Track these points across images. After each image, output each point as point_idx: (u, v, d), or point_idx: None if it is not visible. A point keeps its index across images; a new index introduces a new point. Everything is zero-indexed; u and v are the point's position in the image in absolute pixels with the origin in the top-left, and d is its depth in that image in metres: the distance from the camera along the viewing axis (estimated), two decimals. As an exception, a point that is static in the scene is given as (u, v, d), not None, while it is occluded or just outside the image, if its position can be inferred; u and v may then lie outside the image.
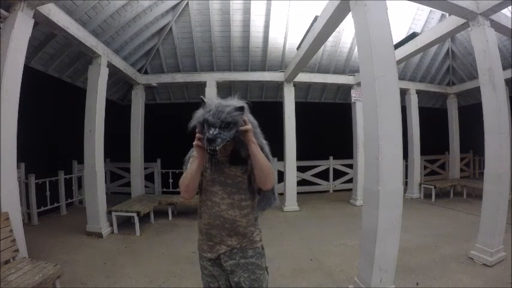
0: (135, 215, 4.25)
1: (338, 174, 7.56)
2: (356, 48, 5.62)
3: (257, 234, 1.45)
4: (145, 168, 6.43)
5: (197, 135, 1.25)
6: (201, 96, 1.31)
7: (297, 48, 5.10)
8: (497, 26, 3.32)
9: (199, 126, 1.24)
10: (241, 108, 1.20)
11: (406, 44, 4.81)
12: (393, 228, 2.29)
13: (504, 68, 3.94)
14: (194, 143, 1.25)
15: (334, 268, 3.06)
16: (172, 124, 7.20)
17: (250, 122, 1.25)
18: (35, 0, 2.85)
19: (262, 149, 1.32)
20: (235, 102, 1.23)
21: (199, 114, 1.24)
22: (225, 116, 1.16)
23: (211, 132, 1.15)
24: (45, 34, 4.20)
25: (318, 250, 3.57)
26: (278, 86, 6.62)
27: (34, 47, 4.23)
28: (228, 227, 1.35)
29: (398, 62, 4.66)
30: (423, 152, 7.03)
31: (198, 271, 1.49)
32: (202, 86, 6.10)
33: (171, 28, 5.48)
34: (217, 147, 1.16)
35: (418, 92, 6.94)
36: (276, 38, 5.76)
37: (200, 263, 1.46)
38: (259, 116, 1.35)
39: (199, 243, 1.47)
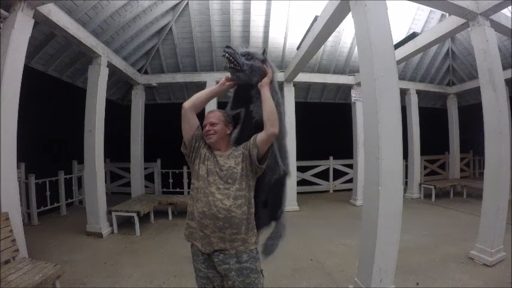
0: (135, 215, 4.25)
1: (338, 174, 7.55)
2: (356, 48, 5.61)
3: (252, 235, 1.42)
4: (145, 168, 6.43)
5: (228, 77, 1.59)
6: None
7: (297, 48, 5.10)
8: (497, 26, 3.31)
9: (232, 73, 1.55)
10: (263, 53, 1.62)
11: (406, 44, 4.81)
12: (393, 228, 2.29)
13: (504, 68, 3.93)
14: (222, 80, 1.58)
15: (334, 268, 3.06)
16: (172, 124, 7.22)
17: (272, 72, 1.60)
18: (35, 0, 2.84)
19: (277, 104, 1.53)
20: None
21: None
22: (249, 49, 1.56)
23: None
24: (45, 34, 4.20)
25: (318, 250, 3.57)
26: (278, 86, 6.60)
27: (34, 47, 4.22)
28: (221, 217, 1.34)
29: (398, 62, 4.65)
30: (423, 152, 7.03)
31: (199, 271, 1.49)
32: (202, 86, 6.09)
33: (171, 28, 5.48)
34: (232, 52, 1.45)
35: (418, 92, 6.94)
36: (276, 38, 5.75)
37: (194, 264, 1.47)
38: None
39: (189, 231, 1.45)
